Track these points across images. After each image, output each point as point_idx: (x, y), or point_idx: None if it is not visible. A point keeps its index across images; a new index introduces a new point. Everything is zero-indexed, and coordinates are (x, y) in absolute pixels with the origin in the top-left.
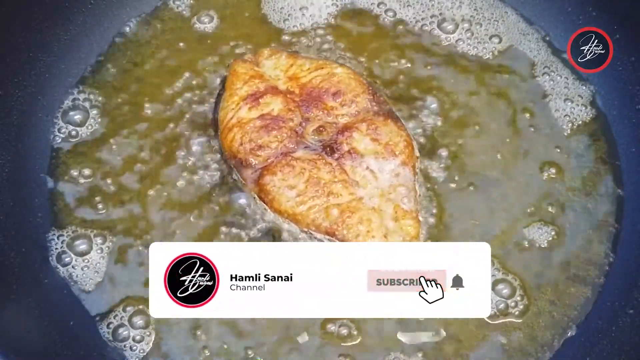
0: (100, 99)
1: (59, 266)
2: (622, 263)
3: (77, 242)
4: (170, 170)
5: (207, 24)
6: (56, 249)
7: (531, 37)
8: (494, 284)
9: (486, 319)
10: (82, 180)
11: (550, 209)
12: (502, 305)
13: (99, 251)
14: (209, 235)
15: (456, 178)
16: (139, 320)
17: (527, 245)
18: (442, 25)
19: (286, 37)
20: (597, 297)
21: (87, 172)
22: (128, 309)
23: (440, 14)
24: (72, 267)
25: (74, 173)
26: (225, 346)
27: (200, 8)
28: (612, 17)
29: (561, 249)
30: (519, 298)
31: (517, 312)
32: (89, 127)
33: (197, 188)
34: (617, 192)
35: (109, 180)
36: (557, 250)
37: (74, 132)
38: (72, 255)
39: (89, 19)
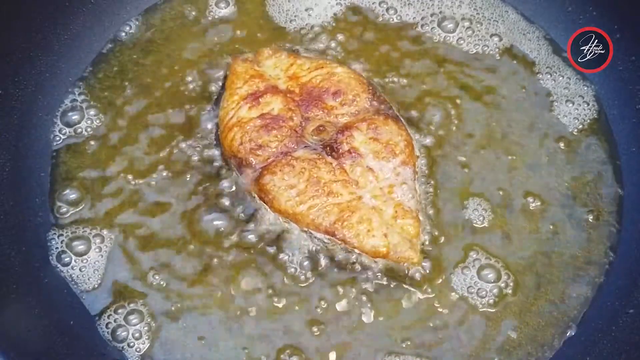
0: (100, 98)
1: (59, 266)
2: (622, 263)
3: (77, 242)
4: (172, 170)
5: (209, 23)
6: (56, 248)
7: (532, 36)
8: (479, 270)
9: (488, 309)
10: (82, 180)
11: (549, 209)
12: (495, 290)
13: (97, 250)
14: (210, 235)
15: (457, 178)
16: (136, 319)
17: (522, 238)
18: (443, 24)
19: (290, 38)
20: (597, 297)
21: (87, 171)
22: (128, 308)
23: (441, 12)
24: (72, 267)
25: (74, 173)
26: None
27: (203, 7)
28: (612, 17)
29: (561, 248)
30: (506, 277)
31: (510, 291)
32: (89, 126)
33: (199, 187)
34: (617, 192)
35: (109, 180)
36: (557, 250)
37: (74, 132)
38: (72, 255)
39: (89, 18)
